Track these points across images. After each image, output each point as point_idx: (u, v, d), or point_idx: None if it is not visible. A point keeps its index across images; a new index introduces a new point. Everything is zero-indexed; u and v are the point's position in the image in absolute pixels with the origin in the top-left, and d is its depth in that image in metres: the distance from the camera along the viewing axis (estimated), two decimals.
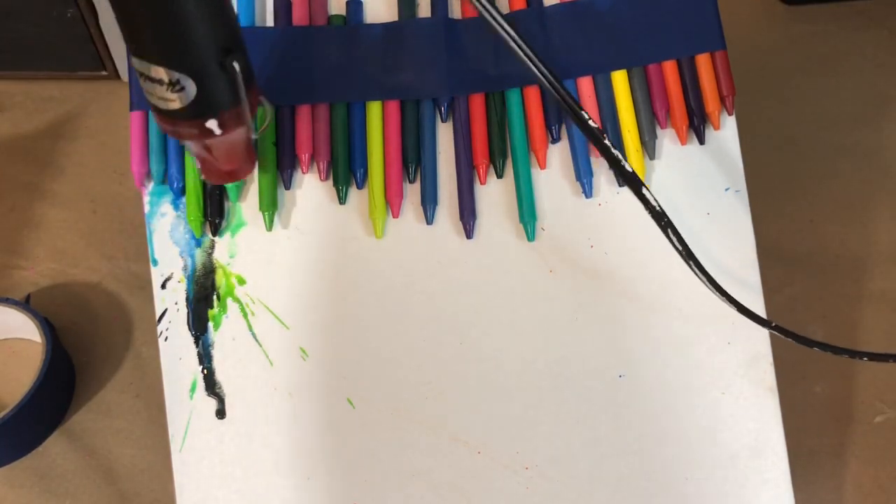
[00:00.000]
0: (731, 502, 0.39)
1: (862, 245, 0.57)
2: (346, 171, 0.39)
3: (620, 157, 0.34)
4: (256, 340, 0.39)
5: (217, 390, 0.39)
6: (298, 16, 0.39)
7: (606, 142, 0.34)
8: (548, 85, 0.34)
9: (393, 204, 0.39)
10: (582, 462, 0.39)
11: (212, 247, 0.39)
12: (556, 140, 0.40)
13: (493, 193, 0.40)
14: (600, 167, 0.40)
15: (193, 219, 0.39)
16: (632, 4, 0.39)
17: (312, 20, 0.40)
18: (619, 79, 0.40)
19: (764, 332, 0.39)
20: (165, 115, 0.31)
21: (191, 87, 0.30)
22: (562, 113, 0.40)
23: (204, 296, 0.39)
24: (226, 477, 0.39)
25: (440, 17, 0.39)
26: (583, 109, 0.34)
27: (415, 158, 0.39)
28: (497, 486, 0.39)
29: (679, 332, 0.39)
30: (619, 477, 0.39)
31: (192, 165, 0.39)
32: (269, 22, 0.40)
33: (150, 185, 0.40)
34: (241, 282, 0.39)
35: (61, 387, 0.50)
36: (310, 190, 0.40)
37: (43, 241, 0.58)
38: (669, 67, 0.40)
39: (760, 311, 0.39)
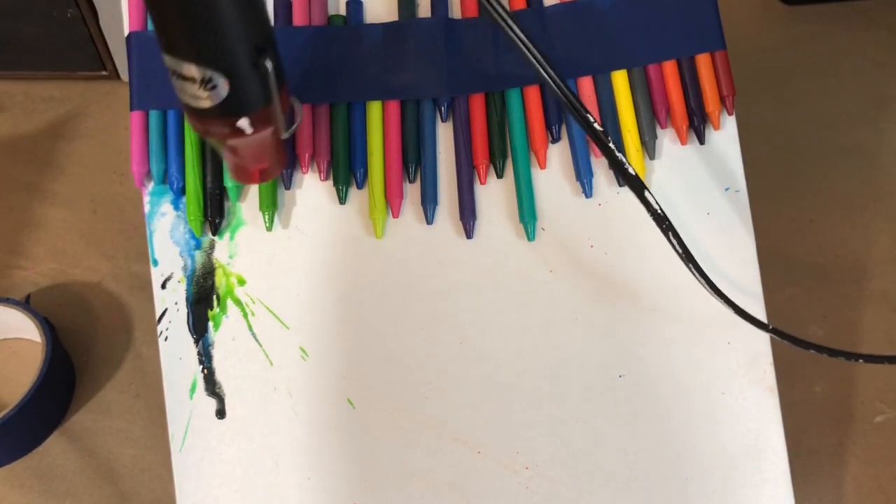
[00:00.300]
0: (731, 502, 0.39)
1: (862, 245, 0.57)
2: (346, 171, 0.39)
3: (624, 160, 0.34)
4: (256, 340, 0.39)
5: (217, 390, 0.39)
6: (298, 16, 0.39)
7: (610, 145, 0.34)
8: (553, 86, 0.34)
9: (393, 204, 0.39)
10: (582, 462, 0.39)
11: (212, 247, 0.39)
12: (556, 140, 0.40)
13: (493, 193, 0.40)
14: (600, 167, 0.40)
15: (193, 219, 0.39)
16: (632, 4, 0.39)
17: (312, 20, 0.40)
18: (620, 79, 0.40)
19: (764, 333, 0.39)
20: (196, 113, 0.31)
21: (223, 86, 0.29)
22: (562, 113, 0.40)
23: (204, 296, 0.39)
24: (226, 477, 0.39)
25: (440, 17, 0.39)
26: (588, 112, 0.34)
27: (415, 158, 0.39)
28: (497, 486, 0.39)
29: (679, 332, 0.39)
30: (619, 477, 0.39)
31: (192, 165, 0.39)
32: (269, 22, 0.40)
33: (150, 185, 0.40)
34: (241, 282, 0.39)
35: (61, 387, 0.50)
36: (310, 190, 0.40)
37: (43, 241, 0.58)
38: (669, 67, 0.40)
39: (760, 311, 0.39)
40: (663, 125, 0.40)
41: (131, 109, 0.39)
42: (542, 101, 0.40)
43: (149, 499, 0.47)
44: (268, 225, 0.39)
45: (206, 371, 0.39)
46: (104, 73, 0.65)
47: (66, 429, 0.50)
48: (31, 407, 0.47)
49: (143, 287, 0.55)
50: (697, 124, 0.40)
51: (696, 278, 0.36)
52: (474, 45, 0.39)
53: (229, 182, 0.39)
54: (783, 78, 0.67)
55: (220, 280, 0.39)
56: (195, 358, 0.39)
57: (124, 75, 0.65)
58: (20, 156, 0.62)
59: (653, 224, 0.36)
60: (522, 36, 0.33)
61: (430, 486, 0.39)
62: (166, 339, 0.39)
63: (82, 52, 0.63)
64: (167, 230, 0.39)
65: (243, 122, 0.31)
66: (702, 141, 0.40)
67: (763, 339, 0.39)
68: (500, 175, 0.40)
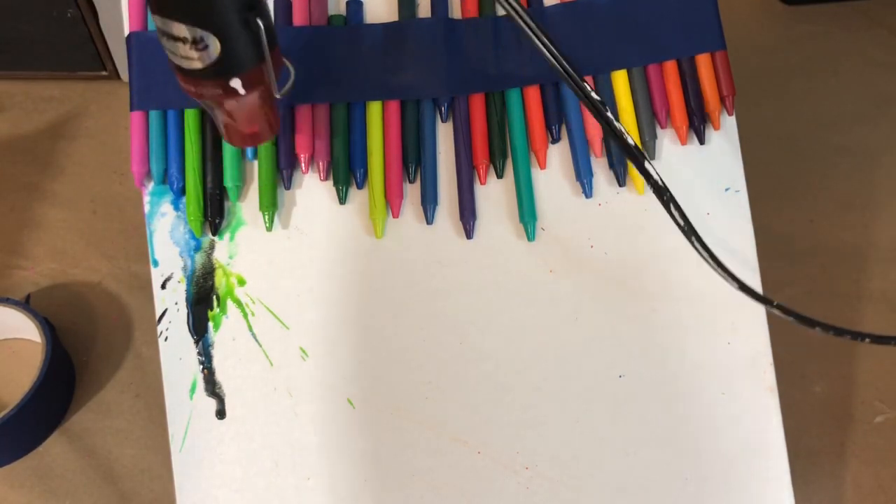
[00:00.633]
0: (731, 502, 0.39)
1: (862, 245, 0.57)
2: (346, 171, 0.39)
3: (623, 130, 0.33)
4: (256, 340, 0.39)
5: (217, 390, 0.39)
6: (298, 16, 0.39)
7: (622, 130, 0.33)
8: (562, 72, 0.33)
9: (393, 204, 0.39)
10: (582, 462, 0.39)
11: (212, 247, 0.39)
12: (556, 140, 0.40)
13: (493, 193, 0.40)
14: (600, 167, 0.40)
15: (193, 219, 0.39)
16: (632, 4, 0.39)
17: (312, 20, 0.40)
18: (620, 79, 0.40)
19: (764, 333, 0.39)
20: (188, 75, 0.30)
21: (214, 46, 0.29)
22: (562, 113, 0.40)
23: (204, 296, 0.39)
24: (226, 477, 0.39)
25: (440, 17, 0.39)
26: (600, 98, 0.33)
27: (415, 158, 0.39)
28: (497, 486, 0.39)
29: (679, 332, 0.39)
30: (620, 477, 0.39)
31: (192, 165, 0.39)
32: None
33: (150, 185, 0.40)
34: (241, 282, 0.39)
35: (61, 387, 0.50)
36: (310, 190, 0.40)
37: (43, 241, 0.58)
38: (669, 67, 0.40)
39: (760, 311, 0.39)
40: (663, 125, 0.40)
41: (131, 109, 0.39)
42: (542, 101, 0.40)
43: (149, 499, 0.47)
44: (268, 225, 0.39)
45: (206, 371, 0.39)
46: (104, 73, 0.65)
47: (66, 429, 0.50)
48: (31, 407, 0.47)
49: (143, 287, 0.55)
50: (697, 124, 0.40)
51: (697, 251, 0.35)
52: (474, 45, 0.39)
53: (229, 182, 0.39)
54: (783, 78, 0.67)
55: (220, 280, 0.39)
56: (195, 358, 0.39)
57: (124, 75, 0.65)
58: (20, 156, 0.62)
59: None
60: (529, 20, 0.32)
61: (430, 486, 0.39)
62: (166, 339, 0.39)
63: (82, 52, 0.63)
64: (167, 230, 0.39)
65: (236, 83, 0.31)
66: (702, 141, 0.40)
67: (763, 340, 0.39)
68: (500, 175, 0.40)
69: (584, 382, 0.39)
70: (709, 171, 0.40)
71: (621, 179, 0.40)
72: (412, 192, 0.40)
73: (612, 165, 0.40)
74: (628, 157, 0.34)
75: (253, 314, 0.39)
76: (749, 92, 0.65)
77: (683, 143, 0.40)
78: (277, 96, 0.33)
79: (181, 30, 0.28)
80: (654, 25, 0.39)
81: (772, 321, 0.39)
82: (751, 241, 0.40)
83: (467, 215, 0.39)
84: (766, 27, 0.71)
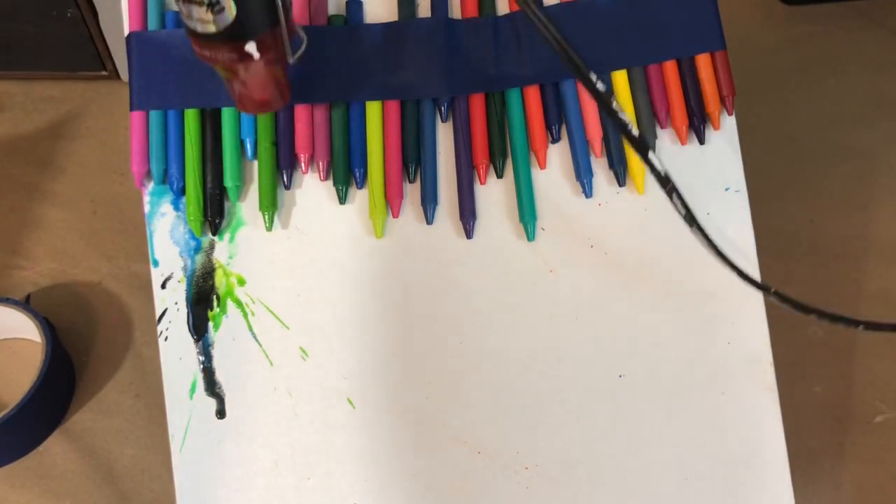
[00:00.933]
0: (731, 502, 0.39)
1: (862, 245, 0.57)
2: (346, 171, 0.39)
3: (628, 122, 0.33)
4: (256, 340, 0.39)
5: (217, 390, 0.39)
6: (298, 16, 0.39)
7: (626, 122, 0.33)
8: (567, 59, 0.32)
9: (393, 204, 0.39)
10: (582, 462, 0.39)
11: (212, 247, 0.39)
12: (556, 140, 0.40)
13: (493, 193, 0.40)
14: (600, 167, 0.40)
15: (193, 219, 0.39)
16: (632, 4, 0.39)
17: (312, 20, 0.40)
18: (620, 79, 0.40)
19: (764, 333, 0.39)
20: (203, 39, 0.31)
21: (229, 9, 0.29)
22: (562, 113, 0.40)
23: (204, 296, 0.39)
24: (226, 477, 0.39)
25: (440, 17, 0.39)
26: (612, 96, 0.33)
27: (415, 158, 0.39)
28: (497, 486, 0.39)
29: (679, 332, 0.39)
30: (619, 477, 0.39)
31: (192, 165, 0.39)
32: None
33: (150, 185, 0.40)
34: (241, 282, 0.39)
35: (61, 387, 0.50)
36: (310, 190, 0.40)
37: (43, 241, 0.58)
38: (669, 67, 0.40)
39: (760, 309, 0.39)
40: (663, 125, 0.40)
41: (131, 109, 0.39)
42: (542, 101, 0.40)
43: (149, 499, 0.47)
44: (268, 225, 0.39)
45: (206, 371, 0.39)
46: (104, 73, 0.65)
47: (66, 429, 0.50)
48: (31, 407, 0.47)
49: (143, 287, 0.55)
50: (697, 124, 0.40)
51: (700, 240, 0.35)
52: (474, 45, 0.39)
53: (229, 182, 0.39)
54: (783, 78, 0.67)
55: (220, 280, 0.39)
56: (195, 358, 0.39)
57: (124, 75, 0.65)
58: (20, 156, 0.62)
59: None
60: (551, 26, 0.32)
61: (430, 486, 0.39)
62: (166, 339, 0.39)
63: (82, 52, 0.63)
64: (167, 230, 0.39)
65: (251, 46, 0.31)
66: (702, 141, 0.40)
67: (763, 340, 0.39)
68: (500, 175, 0.40)
69: (584, 382, 0.39)
70: (709, 171, 0.40)
71: (621, 179, 0.40)
72: (412, 192, 0.40)
73: (612, 165, 0.40)
74: (633, 148, 0.34)
75: (253, 314, 0.39)
76: (749, 92, 0.65)
77: (683, 143, 0.40)
78: (290, 62, 0.33)
79: None
80: (654, 25, 0.39)
81: (772, 321, 0.39)
82: (751, 241, 0.40)
83: (467, 215, 0.39)
84: (766, 27, 0.71)
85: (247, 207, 0.40)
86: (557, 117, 0.40)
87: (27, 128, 0.64)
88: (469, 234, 0.39)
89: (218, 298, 0.39)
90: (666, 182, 0.34)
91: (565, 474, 0.39)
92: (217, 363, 0.39)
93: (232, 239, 0.39)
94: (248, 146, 0.39)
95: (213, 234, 0.39)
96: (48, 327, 0.49)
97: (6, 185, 0.61)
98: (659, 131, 0.40)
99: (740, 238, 0.40)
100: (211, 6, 0.29)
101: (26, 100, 0.65)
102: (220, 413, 0.39)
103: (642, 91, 0.40)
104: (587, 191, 0.40)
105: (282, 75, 0.34)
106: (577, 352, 0.39)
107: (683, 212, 0.35)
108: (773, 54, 0.69)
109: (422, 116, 0.39)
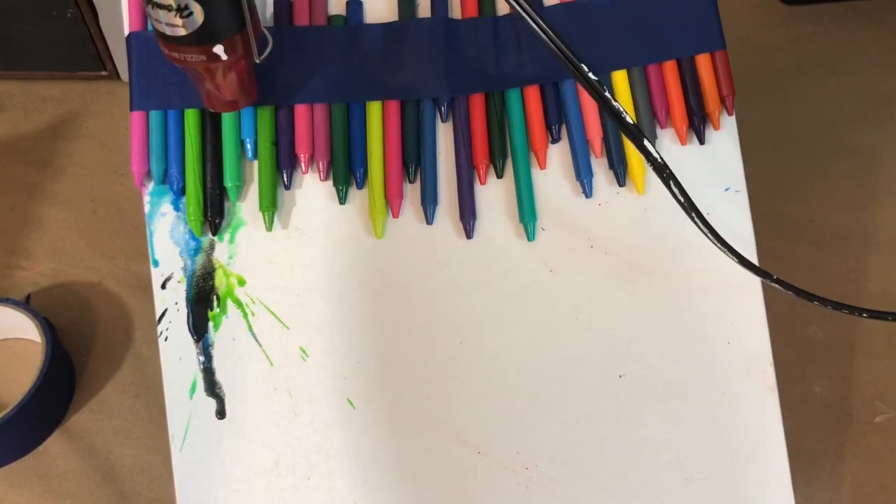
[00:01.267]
0: (731, 502, 0.39)
1: (862, 245, 0.57)
2: (346, 171, 0.39)
3: (623, 111, 0.33)
4: (256, 340, 0.39)
5: (217, 390, 0.39)
6: (299, 16, 0.39)
7: (620, 110, 0.33)
8: (557, 52, 0.32)
9: (393, 204, 0.39)
10: (582, 462, 0.39)
11: (212, 247, 0.39)
12: (556, 140, 0.40)
13: (493, 193, 0.40)
14: (600, 167, 0.40)
15: (193, 219, 0.39)
16: (632, 5, 0.39)
17: (313, 20, 0.40)
18: (620, 79, 0.40)
19: (764, 333, 0.39)
20: (173, 42, 0.32)
21: (197, 13, 0.31)
22: (562, 113, 0.40)
23: (204, 296, 0.39)
24: (226, 477, 0.39)
25: (440, 17, 0.39)
26: (607, 91, 0.33)
27: (415, 158, 0.39)
28: (497, 486, 0.39)
29: (679, 332, 0.39)
30: (619, 477, 0.39)
31: (192, 165, 0.39)
32: (270, 22, 0.40)
33: (150, 185, 0.40)
34: (241, 282, 0.39)
35: (61, 387, 0.50)
36: (310, 190, 0.40)
37: (43, 241, 0.58)
38: (669, 67, 0.40)
39: (760, 309, 0.39)
40: (663, 125, 0.40)
41: (131, 109, 0.39)
42: (542, 101, 0.40)
43: (149, 499, 0.47)
44: (268, 225, 0.39)
45: (206, 371, 0.39)
46: (104, 73, 0.65)
47: (66, 429, 0.50)
48: (31, 407, 0.47)
49: (143, 287, 0.55)
50: (697, 124, 0.40)
51: (698, 226, 0.35)
52: (474, 45, 0.39)
53: (229, 182, 0.39)
54: (783, 78, 0.67)
55: (220, 280, 0.39)
56: (195, 358, 0.39)
57: (124, 75, 0.65)
58: (20, 156, 0.62)
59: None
60: (540, 21, 0.32)
61: (430, 486, 0.39)
62: (166, 339, 0.39)
63: (82, 52, 0.63)
64: (167, 230, 0.39)
65: (219, 49, 0.32)
66: (702, 141, 0.40)
67: (763, 340, 0.39)
68: (500, 175, 0.40)
69: (584, 382, 0.39)
70: (709, 171, 0.40)
71: (621, 179, 0.40)
72: (412, 192, 0.40)
73: (612, 165, 0.40)
74: (627, 136, 0.34)
75: (253, 314, 0.39)
76: (749, 92, 0.65)
77: (683, 143, 0.40)
78: (257, 61, 0.35)
79: None
80: (654, 25, 0.39)
81: (772, 321, 0.39)
82: (751, 241, 0.40)
83: (467, 215, 0.39)
84: (766, 27, 0.71)
85: (247, 207, 0.40)
86: (557, 117, 0.40)
87: (27, 128, 0.64)
88: (469, 234, 0.39)
89: (218, 298, 0.39)
90: (663, 169, 0.34)
91: (565, 474, 0.39)
92: (217, 363, 0.39)
93: (232, 239, 0.39)
94: (249, 146, 0.39)
95: (213, 234, 0.39)
96: (48, 327, 0.49)
97: (6, 185, 0.61)
98: (659, 131, 0.40)
99: (740, 237, 0.40)
100: (179, 10, 0.31)
101: (26, 100, 0.65)
102: (220, 413, 0.39)
103: (642, 91, 0.40)
104: (587, 191, 0.40)
105: (249, 75, 0.35)
106: (577, 352, 0.39)
107: (682, 199, 0.35)
108: (773, 54, 0.69)
109: (422, 116, 0.39)
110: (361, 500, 0.39)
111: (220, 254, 0.39)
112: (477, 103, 0.40)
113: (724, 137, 0.40)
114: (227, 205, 0.40)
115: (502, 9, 0.40)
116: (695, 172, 0.40)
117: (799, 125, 0.64)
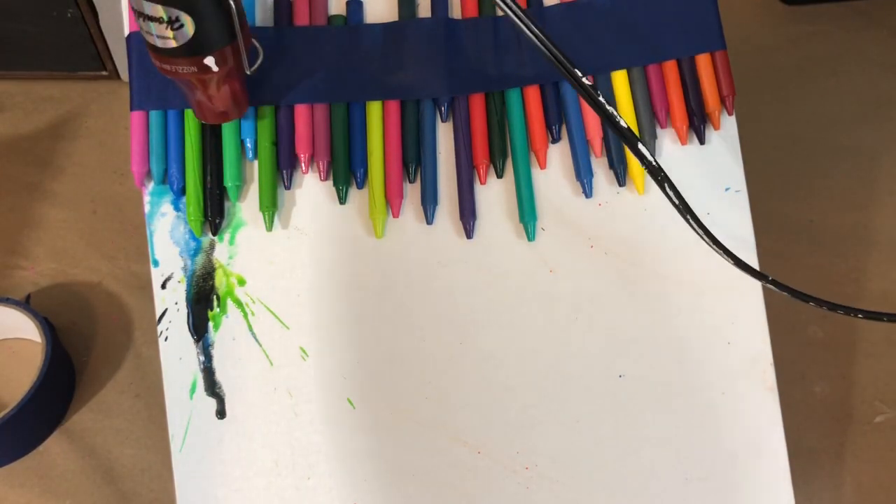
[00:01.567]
0: (731, 502, 0.39)
1: (862, 245, 0.57)
2: (346, 171, 0.39)
3: (616, 114, 0.33)
4: (256, 340, 0.39)
5: (217, 390, 0.39)
6: (299, 16, 0.39)
7: (614, 114, 0.33)
8: (548, 55, 0.32)
9: (393, 204, 0.39)
10: (582, 462, 0.39)
11: (212, 247, 0.39)
12: (556, 140, 0.40)
13: (493, 193, 0.40)
14: (600, 167, 0.40)
15: (193, 219, 0.39)
16: (631, 5, 0.39)
17: (313, 20, 0.40)
18: (620, 79, 0.40)
19: (764, 333, 0.39)
20: (164, 53, 0.32)
21: (188, 25, 0.31)
22: (562, 113, 0.40)
23: (204, 296, 0.39)
24: (226, 477, 0.39)
25: (440, 17, 0.39)
26: (598, 93, 0.33)
27: (415, 158, 0.39)
28: (497, 486, 0.39)
29: (679, 332, 0.39)
30: (619, 477, 0.39)
31: (192, 165, 0.39)
32: (270, 22, 0.40)
33: (150, 185, 0.40)
34: (241, 282, 0.39)
35: (61, 387, 0.50)
36: (310, 190, 0.40)
37: (43, 241, 0.58)
38: (669, 67, 0.40)
39: (760, 309, 0.39)
40: (663, 125, 0.40)
41: (131, 109, 0.39)
42: (542, 101, 0.40)
43: (149, 499, 0.47)
44: (268, 225, 0.39)
45: (206, 371, 0.39)
46: (104, 73, 0.65)
47: (66, 429, 0.50)
48: (31, 407, 0.47)
49: (143, 287, 0.55)
50: (697, 124, 0.40)
51: (693, 228, 0.35)
52: (474, 45, 0.39)
53: (229, 182, 0.39)
54: (783, 78, 0.67)
55: (220, 280, 0.39)
56: (195, 358, 0.39)
57: (124, 75, 0.65)
58: (20, 156, 0.62)
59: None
60: (532, 26, 0.32)
61: (430, 486, 0.39)
62: (166, 339, 0.39)
63: (82, 52, 0.63)
64: (167, 230, 0.39)
65: (209, 60, 0.32)
66: (702, 141, 0.40)
67: (763, 340, 0.39)
68: (500, 175, 0.40)
69: (584, 382, 0.39)
70: (709, 171, 0.40)
71: (621, 179, 0.40)
72: (412, 192, 0.40)
73: (612, 165, 0.40)
74: (621, 140, 0.34)
75: (253, 314, 0.39)
76: (749, 92, 0.65)
77: (683, 143, 0.40)
78: (248, 72, 0.35)
79: (157, 10, 0.30)
80: (654, 25, 0.39)
81: (772, 321, 0.39)
82: (751, 241, 0.40)
83: (467, 215, 0.39)
84: (766, 27, 0.71)
85: (247, 207, 0.40)
86: (557, 117, 0.40)
87: (27, 128, 0.64)
88: (469, 234, 0.39)
89: (218, 298, 0.39)
90: (657, 172, 0.34)
91: (565, 474, 0.39)
92: (217, 363, 0.39)
93: (232, 239, 0.39)
94: (249, 146, 0.39)
95: (213, 234, 0.39)
96: (48, 327, 0.49)
97: (6, 185, 0.61)
98: (659, 131, 0.40)
99: (740, 238, 0.40)
100: (170, 23, 0.31)
101: (26, 100, 0.65)
102: (220, 413, 0.39)
103: (642, 91, 0.40)
104: (587, 191, 0.40)
105: (241, 86, 0.36)
106: (577, 352, 0.39)
107: (677, 201, 0.35)
108: (773, 54, 0.69)
109: (422, 116, 0.39)
110: (361, 499, 0.39)
111: (220, 254, 0.39)
112: (477, 103, 0.40)
113: (724, 137, 0.40)
114: (227, 205, 0.40)
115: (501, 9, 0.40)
116: (695, 172, 0.40)
117: (799, 125, 0.64)
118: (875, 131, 0.63)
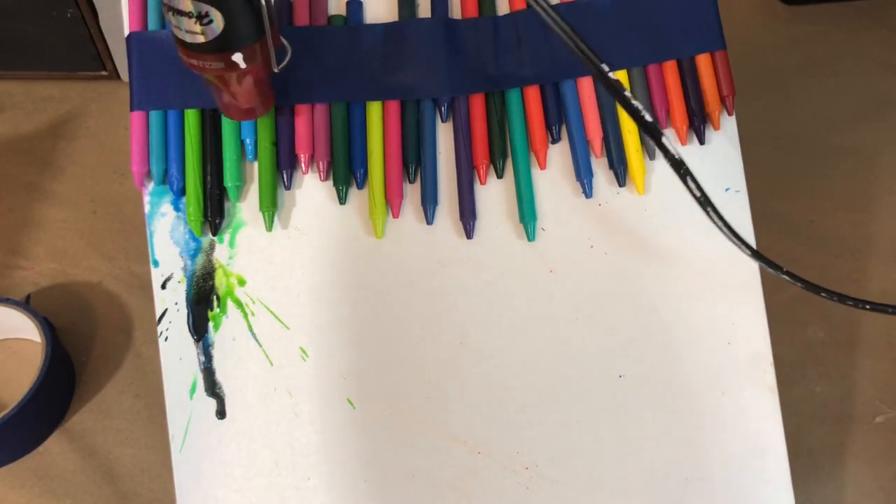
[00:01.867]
0: (731, 502, 0.39)
1: (862, 245, 0.57)
2: (346, 171, 0.39)
3: (643, 111, 0.33)
4: (256, 340, 0.39)
5: (217, 390, 0.39)
6: (299, 16, 0.39)
7: (639, 108, 0.33)
8: (578, 51, 0.32)
9: (393, 204, 0.39)
10: (582, 462, 0.39)
11: (212, 247, 0.39)
12: (556, 140, 0.40)
13: (493, 193, 0.40)
14: (600, 167, 0.40)
15: (193, 219, 0.39)
16: (632, 5, 0.39)
17: (313, 20, 0.40)
18: (620, 78, 0.40)
19: (764, 332, 0.39)
20: (192, 49, 0.32)
21: (217, 20, 0.31)
22: (562, 113, 0.40)
23: (204, 296, 0.39)
24: (226, 477, 0.39)
25: (440, 17, 0.39)
26: (629, 95, 0.33)
27: (415, 158, 0.39)
28: (497, 486, 0.39)
29: (679, 332, 0.39)
30: (619, 477, 0.39)
31: (192, 165, 0.39)
32: None
33: (150, 185, 0.40)
34: (241, 282, 0.39)
35: (61, 387, 0.50)
36: (310, 190, 0.40)
37: (43, 241, 0.58)
38: (669, 67, 0.40)
39: (760, 310, 0.39)
40: (663, 125, 0.40)
41: (131, 109, 0.39)
42: (543, 101, 0.40)
43: (149, 499, 0.47)
44: (268, 225, 0.39)
45: (206, 371, 0.39)
46: (104, 73, 0.65)
47: (66, 429, 0.50)
48: (31, 407, 0.47)
49: (143, 287, 0.55)
50: (697, 124, 0.40)
51: (713, 221, 0.35)
52: (474, 45, 0.39)
53: (229, 182, 0.39)
54: (783, 78, 0.67)
55: (220, 280, 0.39)
56: (195, 358, 0.39)
57: (124, 75, 0.65)
58: (20, 156, 0.62)
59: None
60: (562, 21, 0.32)
61: (430, 486, 0.39)
62: (166, 339, 0.39)
63: (82, 52, 0.63)
64: (167, 230, 0.39)
65: (238, 57, 0.32)
66: (702, 141, 0.40)
67: (763, 340, 0.39)
68: (500, 175, 0.40)
69: (584, 382, 0.39)
70: (709, 171, 0.40)
71: (621, 179, 0.40)
72: (412, 192, 0.40)
73: (612, 165, 0.40)
74: (647, 133, 0.34)
75: (253, 314, 0.39)
76: (749, 92, 0.65)
77: (683, 143, 0.40)
78: (276, 70, 0.34)
79: (187, 4, 0.30)
80: (655, 25, 0.39)
81: (772, 321, 0.39)
82: (751, 241, 0.40)
83: (467, 215, 0.39)
84: (766, 27, 0.71)
85: (247, 207, 0.40)
86: (557, 117, 0.40)
87: (27, 128, 0.64)
88: (469, 234, 0.39)
89: (218, 298, 0.39)
90: (680, 165, 0.34)
91: (565, 474, 0.39)
92: (217, 363, 0.39)
93: (232, 239, 0.39)
94: (249, 146, 0.39)
95: (213, 235, 0.39)
96: (48, 327, 0.49)
97: (6, 185, 0.61)
98: None
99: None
100: (200, 18, 0.30)
101: (26, 100, 0.65)
102: (220, 413, 0.39)
103: (642, 91, 0.40)
104: (587, 191, 0.40)
105: (267, 84, 0.35)
106: (577, 352, 0.39)
107: (698, 194, 0.35)
108: (773, 54, 0.69)
109: (422, 116, 0.39)
110: (361, 500, 0.39)
111: (220, 254, 0.39)
112: (477, 103, 0.40)
113: (724, 137, 0.40)
114: (227, 205, 0.40)
115: (502, 9, 0.40)
116: (695, 172, 0.40)
117: (799, 125, 0.64)
118: (875, 131, 0.63)
